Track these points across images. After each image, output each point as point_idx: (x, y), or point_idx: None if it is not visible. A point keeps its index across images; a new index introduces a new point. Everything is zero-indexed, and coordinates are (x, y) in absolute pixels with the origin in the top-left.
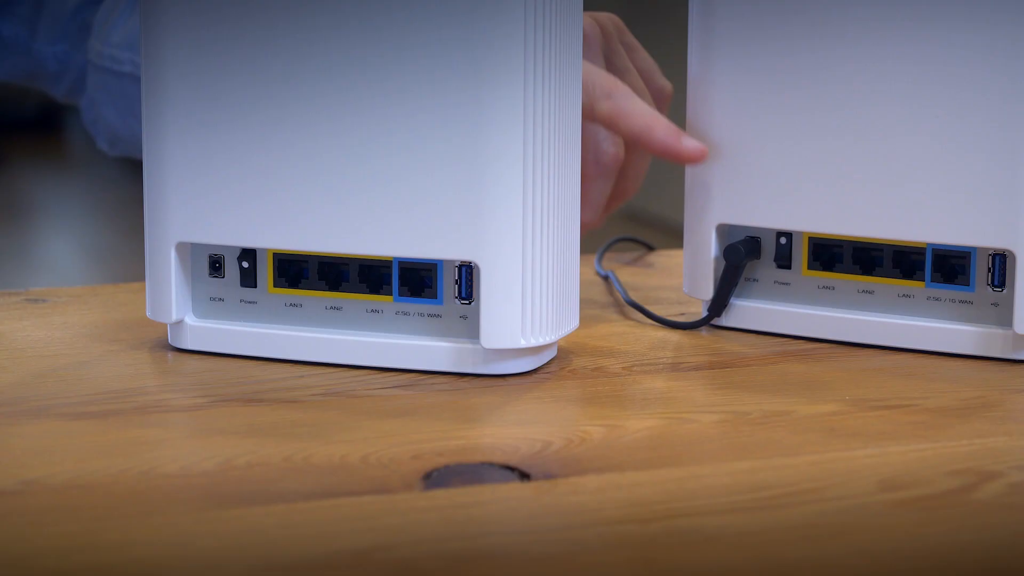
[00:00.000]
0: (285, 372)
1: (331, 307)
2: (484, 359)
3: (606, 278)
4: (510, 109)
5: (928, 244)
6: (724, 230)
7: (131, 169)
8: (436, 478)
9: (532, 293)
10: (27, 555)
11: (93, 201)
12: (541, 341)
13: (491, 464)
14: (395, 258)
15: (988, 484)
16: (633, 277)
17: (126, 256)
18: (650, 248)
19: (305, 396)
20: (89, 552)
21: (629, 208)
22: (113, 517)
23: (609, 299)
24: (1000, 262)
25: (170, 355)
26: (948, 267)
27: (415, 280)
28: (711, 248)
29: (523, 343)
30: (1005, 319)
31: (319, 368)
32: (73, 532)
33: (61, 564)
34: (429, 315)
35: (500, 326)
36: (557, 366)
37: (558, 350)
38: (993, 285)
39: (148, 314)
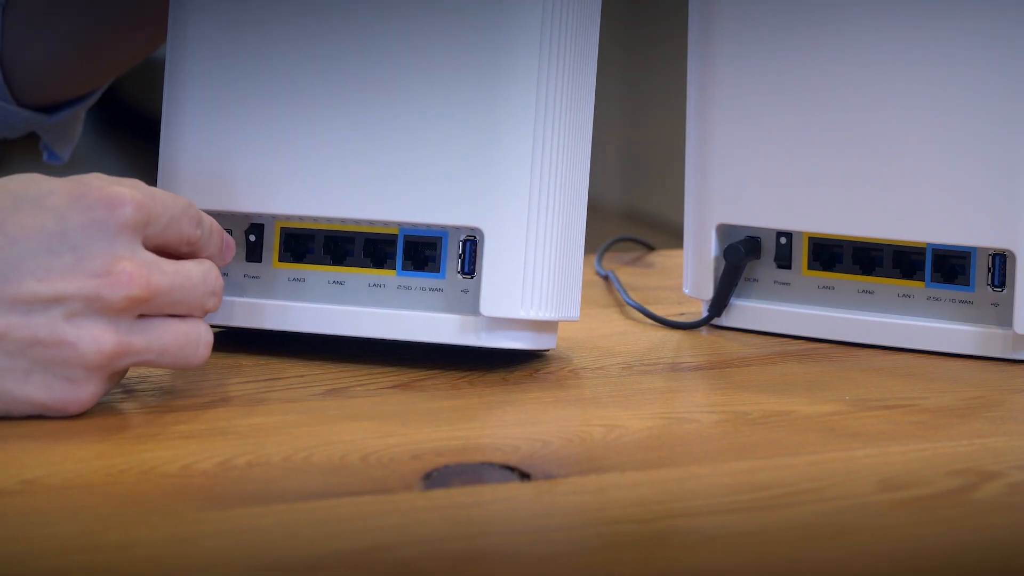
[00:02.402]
0: (285, 372)
1: (334, 281)
2: (485, 328)
3: (606, 278)
4: (523, 77)
5: (928, 244)
6: (724, 230)
7: (131, 169)
8: (436, 478)
9: (535, 264)
10: (27, 555)
11: None
12: (541, 315)
13: (491, 464)
14: (400, 231)
15: (988, 484)
16: (633, 277)
17: None
18: (650, 248)
19: (305, 396)
20: (89, 552)
21: (629, 208)
22: (113, 517)
23: (609, 299)
24: (1000, 262)
25: None
26: (948, 267)
27: (419, 254)
28: (711, 248)
29: (522, 314)
30: (1005, 319)
31: (319, 368)
32: (73, 532)
33: (61, 564)
34: (431, 289)
35: (500, 294)
36: (557, 366)
37: (558, 349)
38: (993, 285)
39: None
